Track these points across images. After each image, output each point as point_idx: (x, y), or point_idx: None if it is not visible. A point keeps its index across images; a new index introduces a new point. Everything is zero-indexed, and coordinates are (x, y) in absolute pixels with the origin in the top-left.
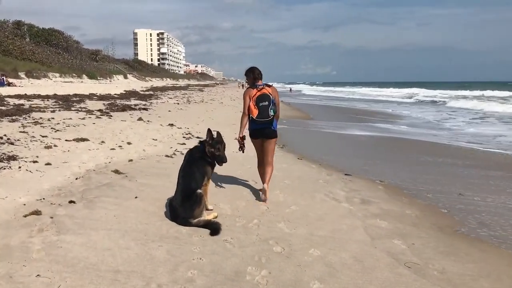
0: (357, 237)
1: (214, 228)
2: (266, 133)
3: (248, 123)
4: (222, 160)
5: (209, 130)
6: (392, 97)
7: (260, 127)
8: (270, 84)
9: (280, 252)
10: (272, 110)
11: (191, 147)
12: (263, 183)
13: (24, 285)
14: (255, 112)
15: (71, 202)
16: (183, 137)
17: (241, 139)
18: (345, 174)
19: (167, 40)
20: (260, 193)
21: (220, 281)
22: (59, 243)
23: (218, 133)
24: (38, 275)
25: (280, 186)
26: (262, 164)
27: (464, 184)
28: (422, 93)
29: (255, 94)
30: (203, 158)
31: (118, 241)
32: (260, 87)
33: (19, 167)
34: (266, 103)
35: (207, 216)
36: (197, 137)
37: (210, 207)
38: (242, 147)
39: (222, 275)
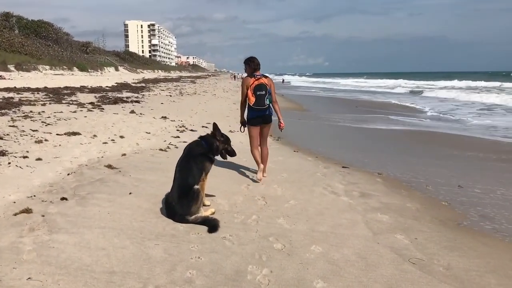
0: (359, 232)
1: (212, 225)
2: (264, 119)
3: (246, 111)
4: (233, 154)
5: (216, 125)
6: (378, 87)
7: (258, 114)
8: (267, 75)
9: (281, 249)
10: (268, 99)
11: (188, 141)
12: (260, 164)
13: None
14: (252, 100)
15: (63, 199)
16: (177, 130)
17: (242, 124)
18: (343, 167)
19: (158, 32)
20: (257, 174)
21: (221, 282)
22: (51, 243)
23: (214, 124)
24: (29, 278)
25: (277, 179)
26: (258, 148)
27: (462, 175)
28: (405, 84)
29: (252, 83)
30: (203, 154)
31: (112, 240)
32: (258, 77)
33: (9, 163)
34: (263, 92)
35: (204, 212)
36: (191, 130)
37: (207, 203)
38: (242, 128)
39: (222, 275)
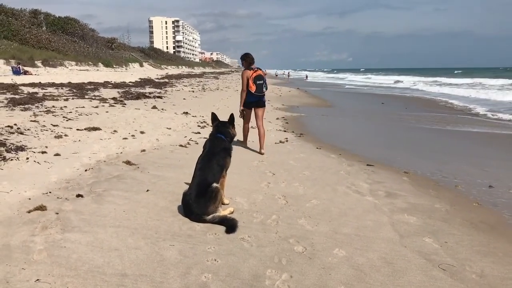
0: (385, 234)
1: (230, 225)
2: (259, 104)
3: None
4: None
5: (232, 116)
6: (397, 82)
7: (255, 99)
8: (259, 67)
9: (302, 252)
10: (265, 87)
11: (210, 136)
12: (247, 137)
13: None
14: (253, 88)
15: (78, 196)
16: (198, 125)
17: (242, 110)
18: (367, 165)
19: (183, 28)
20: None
21: (237, 287)
22: (63, 242)
23: (232, 115)
24: (37, 279)
25: (299, 177)
26: (249, 124)
27: (494, 175)
28: (413, 80)
29: (252, 74)
30: (226, 149)
31: (126, 240)
32: (255, 69)
33: (27, 158)
34: (262, 81)
35: (222, 211)
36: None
37: (226, 201)
38: (242, 115)
39: (239, 280)
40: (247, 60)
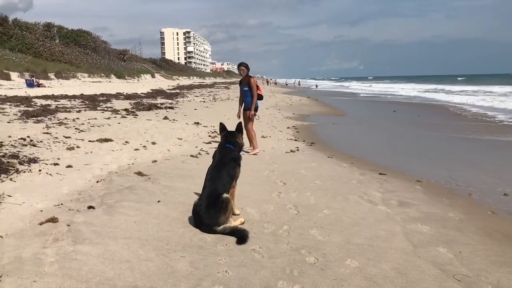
0: (398, 244)
1: (241, 236)
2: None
3: (248, 102)
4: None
5: (240, 125)
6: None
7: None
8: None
9: (314, 263)
10: None
11: (219, 146)
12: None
13: None
14: (261, 91)
15: (90, 207)
16: (209, 135)
17: (254, 115)
18: (380, 174)
19: (194, 39)
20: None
21: None
22: (74, 254)
23: (239, 124)
24: None
25: (310, 187)
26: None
27: (509, 183)
28: (424, 87)
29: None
30: (235, 159)
31: (137, 252)
32: (253, 77)
33: (39, 170)
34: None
35: (233, 222)
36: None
37: (237, 211)
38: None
39: None
40: (249, 68)
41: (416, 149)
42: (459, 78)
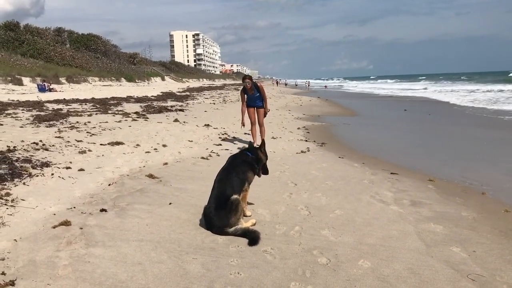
0: (411, 244)
1: (252, 237)
2: None
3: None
4: (267, 172)
5: (264, 141)
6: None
7: None
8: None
9: (326, 264)
10: None
11: (231, 148)
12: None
13: None
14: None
15: (102, 210)
16: (219, 137)
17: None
18: (391, 173)
19: (203, 41)
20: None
21: None
22: (87, 257)
23: (263, 140)
24: None
25: (322, 187)
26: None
27: None
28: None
29: None
30: (248, 162)
31: (150, 254)
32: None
33: (52, 174)
34: None
35: (244, 223)
36: (233, 137)
37: (248, 213)
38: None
39: None
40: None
41: (428, 147)
42: (463, 77)
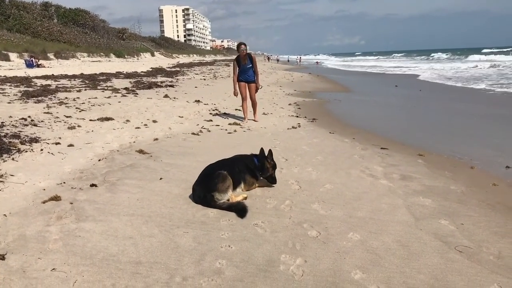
0: (400, 217)
1: (239, 208)
2: None
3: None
4: (275, 181)
5: (271, 151)
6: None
7: None
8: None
9: (316, 237)
10: None
11: (221, 124)
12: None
13: (38, 280)
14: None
15: (92, 185)
16: (210, 113)
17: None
18: (381, 148)
19: (193, 16)
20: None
21: (251, 273)
22: (78, 231)
23: (270, 150)
24: (53, 269)
25: (312, 162)
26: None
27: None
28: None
29: None
30: (250, 169)
31: (140, 228)
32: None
33: (41, 150)
34: None
35: (236, 197)
36: (224, 113)
37: (244, 195)
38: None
39: (253, 265)
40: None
41: (418, 123)
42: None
